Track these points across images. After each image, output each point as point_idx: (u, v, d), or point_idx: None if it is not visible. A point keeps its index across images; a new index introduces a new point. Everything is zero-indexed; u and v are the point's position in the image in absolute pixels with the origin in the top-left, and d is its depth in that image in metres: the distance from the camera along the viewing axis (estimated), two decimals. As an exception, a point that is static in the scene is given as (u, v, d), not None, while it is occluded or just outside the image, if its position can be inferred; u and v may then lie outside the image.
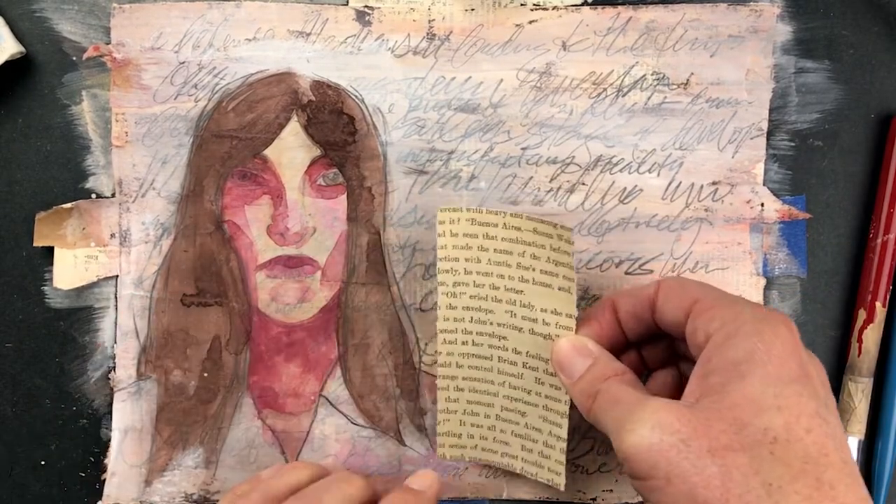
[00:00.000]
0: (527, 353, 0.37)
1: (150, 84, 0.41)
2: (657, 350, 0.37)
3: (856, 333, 0.40)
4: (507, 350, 0.37)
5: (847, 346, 0.41)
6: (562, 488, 0.37)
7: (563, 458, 0.37)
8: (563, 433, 0.36)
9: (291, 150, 0.41)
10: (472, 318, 0.38)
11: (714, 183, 0.41)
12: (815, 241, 0.41)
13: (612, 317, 0.35)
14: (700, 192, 0.41)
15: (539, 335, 0.36)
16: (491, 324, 0.37)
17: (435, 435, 0.40)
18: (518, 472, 0.39)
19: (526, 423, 0.38)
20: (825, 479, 0.27)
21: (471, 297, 0.37)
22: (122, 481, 0.41)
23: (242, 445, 0.41)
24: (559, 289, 0.35)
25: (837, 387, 0.41)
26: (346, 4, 0.41)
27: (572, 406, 0.35)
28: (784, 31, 0.41)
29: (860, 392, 0.40)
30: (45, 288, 0.42)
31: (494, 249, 0.36)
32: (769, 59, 0.41)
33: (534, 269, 0.36)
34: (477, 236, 0.37)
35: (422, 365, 0.41)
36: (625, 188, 0.41)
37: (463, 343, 0.38)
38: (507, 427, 0.38)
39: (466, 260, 0.37)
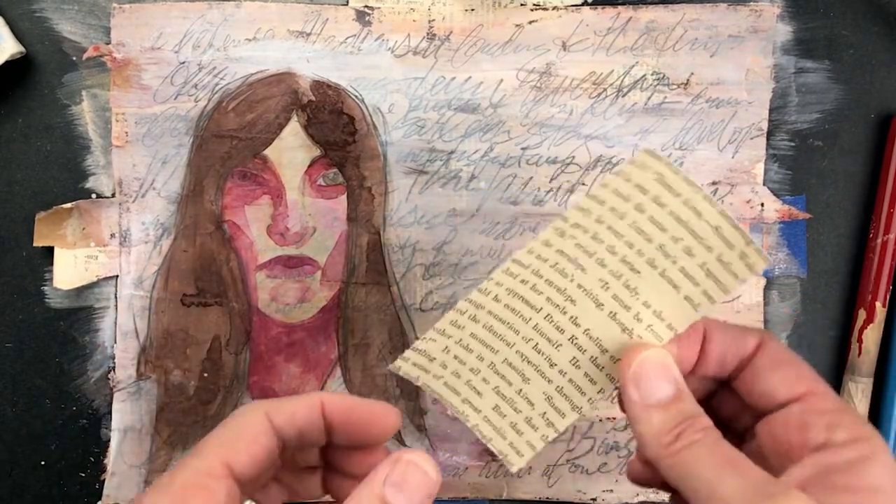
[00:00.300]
0: (586, 330, 0.31)
1: (150, 84, 0.41)
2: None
3: (856, 333, 0.40)
4: (564, 313, 0.31)
5: (847, 346, 0.41)
6: (513, 469, 0.32)
7: (539, 444, 0.32)
8: (561, 426, 0.32)
9: (291, 150, 0.41)
10: (556, 263, 0.31)
11: (714, 183, 0.41)
12: (815, 241, 0.41)
13: (698, 347, 0.31)
14: (700, 192, 0.41)
15: (620, 324, 0.30)
16: (572, 280, 0.31)
17: (435, 436, 0.40)
18: (469, 425, 0.33)
19: (521, 390, 0.32)
20: None
21: (576, 245, 0.31)
22: (121, 481, 0.41)
23: (242, 445, 0.41)
24: (686, 298, 0.29)
25: (838, 387, 0.41)
26: (346, 4, 0.41)
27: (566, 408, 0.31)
28: (784, 31, 0.41)
29: (860, 392, 0.40)
30: (45, 288, 0.41)
31: (651, 218, 0.30)
32: (769, 59, 0.41)
33: (675, 263, 0.29)
34: (646, 192, 0.30)
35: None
36: (625, 188, 0.41)
37: (523, 281, 0.31)
38: (495, 380, 0.32)
39: (612, 209, 0.30)
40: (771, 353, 0.30)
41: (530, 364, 0.32)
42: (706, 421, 0.28)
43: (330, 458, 0.31)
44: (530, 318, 0.32)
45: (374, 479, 0.27)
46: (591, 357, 0.31)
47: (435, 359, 0.33)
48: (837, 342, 0.42)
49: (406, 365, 0.32)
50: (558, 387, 0.32)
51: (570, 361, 0.31)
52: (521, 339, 0.32)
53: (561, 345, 0.31)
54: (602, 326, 0.31)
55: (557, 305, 0.31)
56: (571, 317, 0.31)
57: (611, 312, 0.30)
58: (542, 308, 0.31)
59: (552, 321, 0.31)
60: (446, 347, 0.33)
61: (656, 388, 0.29)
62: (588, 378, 0.31)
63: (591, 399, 0.31)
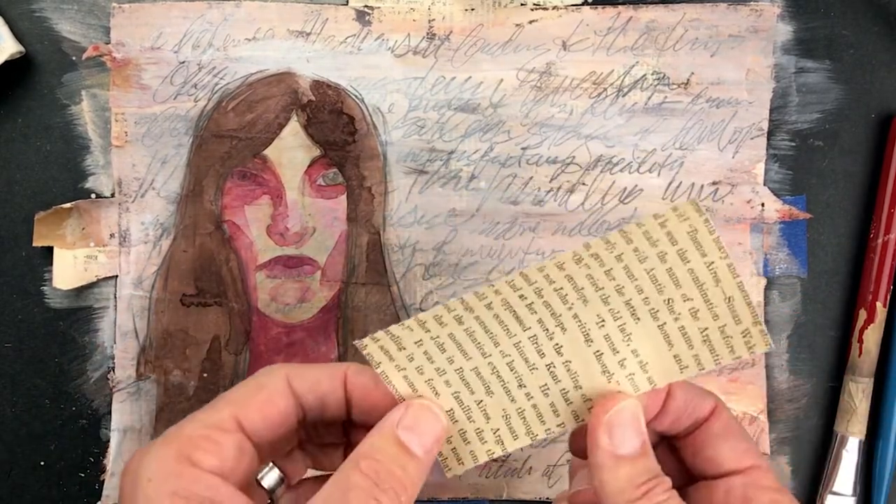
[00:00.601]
0: (566, 361, 0.30)
1: (149, 84, 0.41)
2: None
3: (856, 333, 0.40)
4: (551, 338, 0.30)
5: (847, 346, 0.41)
6: (448, 475, 0.31)
7: (482, 458, 0.31)
8: (511, 447, 0.31)
9: (291, 150, 0.41)
10: (561, 288, 0.29)
11: (714, 183, 0.41)
12: (815, 241, 0.41)
13: (661, 402, 0.30)
14: (700, 192, 0.41)
15: (603, 365, 0.29)
16: (570, 308, 0.29)
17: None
18: None
19: (480, 401, 0.31)
20: None
21: (588, 275, 0.29)
22: (121, 482, 0.41)
23: (242, 446, 0.41)
24: (676, 357, 0.29)
25: (838, 387, 0.41)
26: (346, 4, 0.41)
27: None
28: (784, 31, 0.41)
29: (861, 392, 0.40)
30: (45, 288, 0.41)
31: (669, 270, 0.28)
32: (769, 58, 0.41)
33: (678, 320, 0.29)
34: (675, 243, 0.28)
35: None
36: (625, 188, 0.41)
37: (521, 296, 0.29)
38: (457, 385, 0.31)
39: (636, 250, 0.28)
40: (723, 421, 0.30)
41: (499, 379, 0.31)
42: (668, 482, 0.28)
43: (352, 437, 0.32)
44: (515, 335, 0.30)
45: (387, 422, 0.28)
46: (563, 389, 0.30)
47: (405, 349, 0.30)
48: (838, 342, 0.41)
49: (373, 346, 0.30)
50: (520, 408, 0.31)
51: (541, 387, 0.30)
52: (498, 352, 0.30)
53: (536, 368, 0.30)
54: (584, 362, 0.30)
55: (547, 329, 0.30)
56: (557, 344, 0.30)
57: (597, 351, 0.29)
58: (530, 327, 0.30)
59: (536, 343, 0.30)
60: (420, 340, 0.30)
61: (628, 440, 0.28)
62: (553, 408, 0.30)
63: (548, 429, 0.30)
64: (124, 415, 0.41)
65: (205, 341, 0.41)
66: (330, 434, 0.32)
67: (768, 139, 0.41)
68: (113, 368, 0.41)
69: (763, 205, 0.41)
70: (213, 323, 0.41)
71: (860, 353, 0.40)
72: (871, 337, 0.40)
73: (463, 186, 0.41)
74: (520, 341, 0.30)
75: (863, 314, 0.40)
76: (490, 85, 0.41)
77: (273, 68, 0.41)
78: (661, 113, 0.41)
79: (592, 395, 0.30)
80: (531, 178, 0.41)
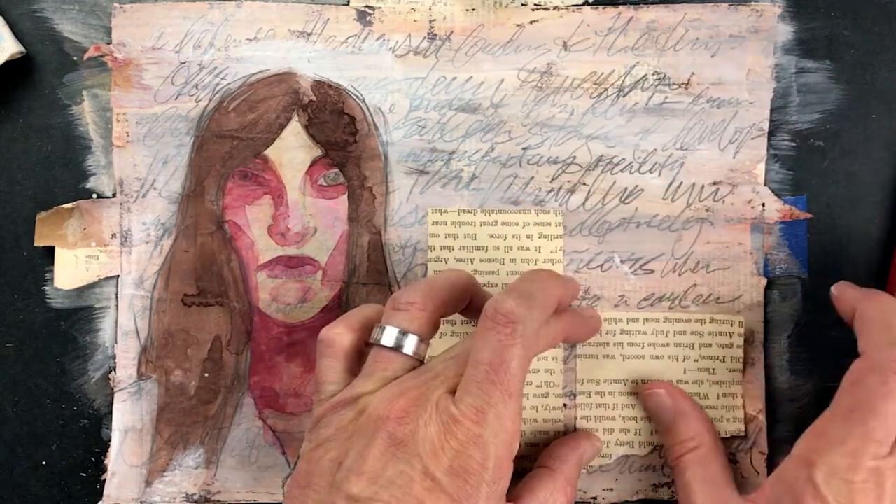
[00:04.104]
0: None
1: (150, 84, 0.41)
2: None
3: None
4: None
5: (850, 346, 0.41)
6: None
7: None
8: None
9: (292, 150, 0.41)
10: None
11: (715, 183, 0.41)
12: (815, 241, 0.41)
13: None
14: (701, 192, 0.41)
15: None
16: None
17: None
18: None
19: None
20: None
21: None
22: (122, 481, 0.41)
23: (243, 446, 0.41)
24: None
25: (837, 387, 0.41)
26: (347, 4, 0.41)
27: None
28: (785, 31, 0.41)
29: None
30: (46, 288, 0.41)
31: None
32: (770, 58, 0.41)
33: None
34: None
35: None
36: (626, 188, 0.41)
37: None
38: None
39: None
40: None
41: None
42: None
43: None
44: None
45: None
46: None
47: None
48: (838, 342, 0.41)
49: None
50: None
51: None
52: None
53: None
54: None
55: None
56: None
57: None
58: None
59: None
60: None
61: None
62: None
63: None
64: (125, 415, 0.41)
65: (206, 341, 0.41)
66: None
67: (769, 139, 0.41)
68: (114, 368, 0.41)
69: (764, 205, 0.41)
70: (214, 323, 0.41)
71: None
72: None
73: (464, 186, 0.41)
74: None
75: None
76: (491, 85, 0.41)
77: (274, 68, 0.41)
78: (662, 113, 0.41)
79: None
80: (532, 178, 0.41)
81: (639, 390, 0.40)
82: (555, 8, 0.41)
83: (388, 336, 0.33)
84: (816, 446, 0.33)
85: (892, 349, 0.32)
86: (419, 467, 0.30)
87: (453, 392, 0.31)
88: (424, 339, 0.34)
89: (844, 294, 0.37)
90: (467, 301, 0.36)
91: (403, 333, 0.33)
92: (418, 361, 0.34)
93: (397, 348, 0.33)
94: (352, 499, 0.30)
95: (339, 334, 0.35)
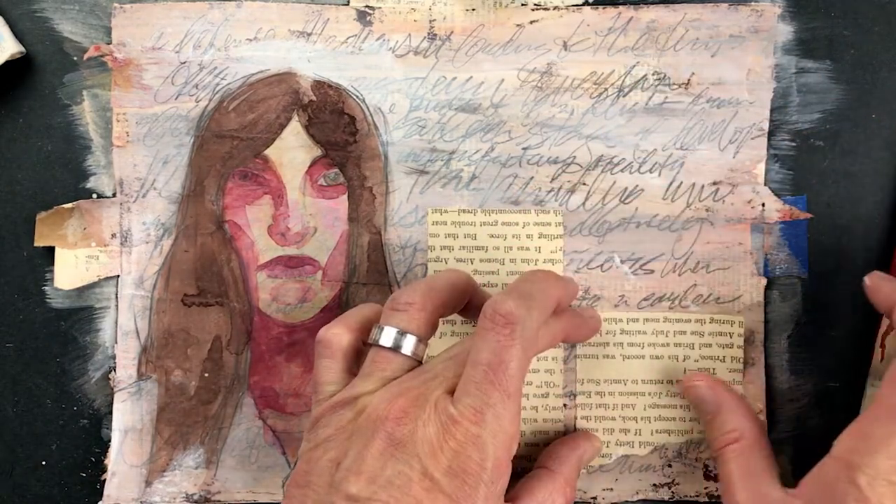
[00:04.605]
0: None
1: (150, 84, 0.41)
2: None
3: (879, 339, 0.40)
4: None
5: (853, 347, 0.41)
6: None
7: None
8: None
9: (292, 150, 0.41)
10: None
11: (715, 183, 0.41)
12: (815, 241, 0.41)
13: None
14: (701, 192, 0.41)
15: None
16: None
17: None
18: None
19: None
20: None
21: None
22: (122, 481, 0.41)
23: (243, 446, 0.41)
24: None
25: (838, 387, 0.41)
26: (347, 4, 0.41)
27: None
28: (785, 31, 0.41)
29: None
30: (46, 288, 0.41)
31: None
32: (770, 58, 0.41)
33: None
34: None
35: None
36: (626, 188, 0.41)
37: None
38: None
39: None
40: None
41: None
42: None
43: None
44: None
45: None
46: None
47: None
48: (838, 342, 0.41)
49: None
50: None
51: None
52: None
53: None
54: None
55: None
56: None
57: None
58: None
59: None
60: None
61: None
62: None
63: None
64: (125, 414, 0.41)
65: (206, 341, 0.41)
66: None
67: (769, 139, 0.41)
68: (114, 368, 0.41)
69: (764, 205, 0.41)
70: (214, 323, 0.41)
71: (882, 357, 0.40)
72: (893, 343, 0.40)
73: (464, 186, 0.41)
74: None
75: (886, 320, 0.40)
76: (491, 85, 0.41)
77: (274, 68, 0.41)
78: (662, 113, 0.41)
79: None
80: (532, 178, 0.41)
81: (680, 382, 0.40)
82: (555, 8, 0.41)
83: (387, 336, 0.33)
84: (858, 448, 0.32)
85: None
86: (418, 467, 0.30)
87: (452, 392, 0.31)
88: (423, 340, 0.34)
89: (880, 287, 0.36)
90: (466, 301, 0.36)
91: (402, 334, 0.33)
92: (417, 361, 0.34)
93: (396, 348, 0.33)
94: (350, 499, 0.30)
95: (338, 334, 0.35)
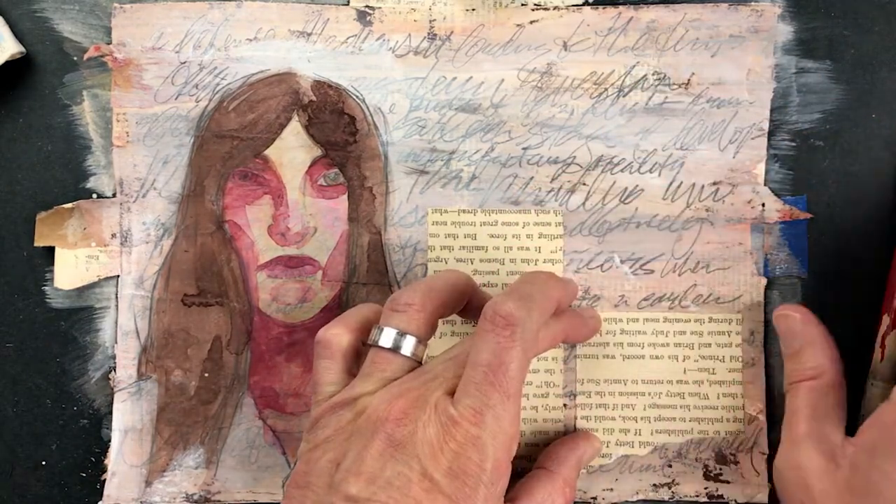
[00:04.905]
0: None
1: (150, 84, 0.41)
2: None
3: (879, 338, 0.40)
4: None
5: (854, 347, 0.40)
6: None
7: None
8: None
9: (292, 150, 0.41)
10: None
11: (715, 183, 0.41)
12: (815, 241, 0.41)
13: None
14: (701, 192, 0.41)
15: None
16: None
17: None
18: None
19: None
20: None
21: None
22: (122, 481, 0.41)
23: (243, 446, 0.41)
24: None
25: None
26: (347, 4, 0.41)
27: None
28: (785, 31, 0.41)
29: (881, 396, 0.40)
30: (46, 288, 0.41)
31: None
32: (770, 59, 0.41)
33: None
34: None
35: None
36: (626, 188, 0.41)
37: None
38: None
39: None
40: None
41: None
42: None
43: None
44: None
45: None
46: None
47: None
48: (837, 342, 0.41)
49: None
50: None
51: None
52: None
53: None
54: None
55: None
56: None
57: None
58: None
59: None
60: None
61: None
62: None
63: None
64: (125, 414, 0.41)
65: (206, 341, 0.41)
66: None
67: (769, 139, 0.41)
68: (114, 368, 0.41)
69: (764, 205, 0.41)
70: (214, 323, 0.41)
71: (882, 357, 0.40)
72: (893, 342, 0.40)
73: (464, 186, 0.41)
74: None
75: (886, 319, 0.40)
76: (491, 85, 0.41)
77: (274, 68, 0.41)
78: (662, 113, 0.41)
79: None
80: (532, 178, 0.41)
81: (775, 311, 0.39)
82: (555, 8, 0.41)
83: (387, 337, 0.33)
84: None
85: None
86: (417, 468, 0.30)
87: (452, 393, 0.31)
88: (422, 340, 0.34)
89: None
90: (465, 302, 0.36)
91: (401, 334, 0.33)
92: (416, 362, 0.34)
93: (395, 349, 0.33)
94: (350, 499, 0.30)
95: (337, 335, 0.35)
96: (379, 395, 0.32)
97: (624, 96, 0.41)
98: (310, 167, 0.41)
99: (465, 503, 0.30)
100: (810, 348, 0.37)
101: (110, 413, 0.41)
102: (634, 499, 0.41)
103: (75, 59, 0.41)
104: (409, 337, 0.33)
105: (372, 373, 0.33)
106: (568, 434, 0.41)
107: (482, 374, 0.31)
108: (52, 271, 0.41)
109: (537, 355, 0.37)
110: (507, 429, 0.31)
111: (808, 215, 0.41)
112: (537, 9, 0.41)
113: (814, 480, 0.34)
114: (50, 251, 0.41)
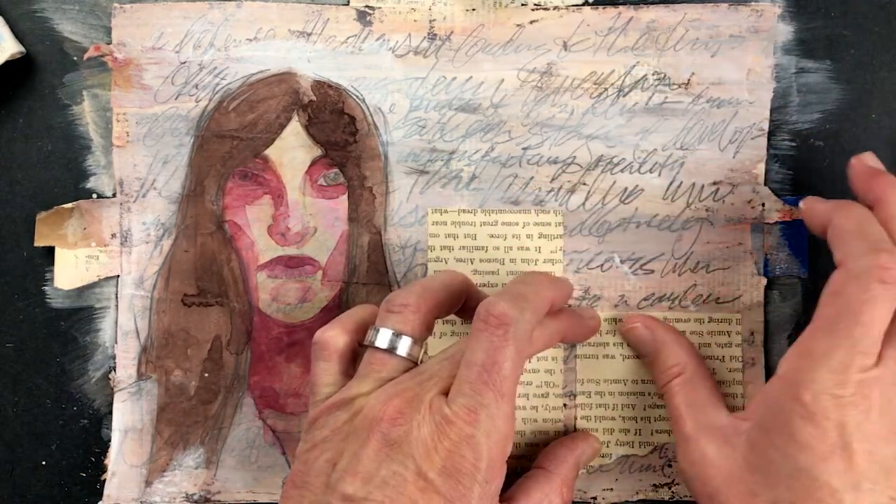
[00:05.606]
0: None
1: (150, 84, 0.41)
2: None
3: None
4: None
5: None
6: None
7: None
8: None
9: (292, 150, 0.41)
10: None
11: (715, 183, 0.41)
12: (816, 241, 0.41)
13: None
14: (701, 192, 0.41)
15: None
16: None
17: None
18: None
19: None
20: None
21: None
22: (122, 481, 0.41)
23: (243, 446, 0.41)
24: None
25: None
26: (347, 4, 0.41)
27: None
28: (785, 31, 0.41)
29: None
30: (46, 288, 0.42)
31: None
32: (770, 59, 0.41)
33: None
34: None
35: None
36: (626, 188, 0.41)
37: None
38: None
39: None
40: None
41: None
42: None
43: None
44: None
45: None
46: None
47: None
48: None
49: None
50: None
51: None
52: None
53: None
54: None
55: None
56: None
57: None
58: None
59: None
60: None
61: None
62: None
63: None
64: (125, 414, 0.41)
65: (206, 341, 0.41)
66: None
67: (769, 139, 0.41)
68: (114, 368, 0.41)
69: (764, 205, 0.41)
70: (214, 323, 0.41)
71: None
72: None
73: (464, 186, 0.41)
74: None
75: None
76: (491, 85, 0.41)
77: (274, 68, 0.41)
78: (662, 113, 0.41)
79: None
80: (532, 178, 0.41)
81: (619, 328, 0.40)
82: (555, 8, 0.41)
83: (382, 338, 0.34)
84: (801, 365, 0.32)
85: (870, 256, 0.32)
86: (412, 468, 0.30)
87: (447, 393, 0.31)
88: (418, 341, 0.34)
89: (814, 208, 0.36)
90: (462, 302, 0.36)
91: (397, 335, 0.33)
92: (412, 363, 0.34)
93: (391, 350, 0.33)
94: (346, 499, 0.30)
95: (334, 336, 0.35)
96: (374, 395, 0.32)
97: (624, 96, 0.41)
98: (310, 167, 0.41)
99: (460, 502, 0.30)
100: (665, 349, 0.38)
101: (110, 413, 0.41)
102: (634, 499, 0.41)
103: (75, 59, 0.41)
104: (404, 338, 0.33)
105: (368, 373, 0.33)
106: (568, 434, 0.41)
107: (476, 374, 0.31)
108: (52, 271, 0.41)
109: (533, 355, 0.37)
110: (502, 427, 0.31)
111: (809, 215, 0.41)
112: (537, 9, 0.41)
113: (713, 471, 0.34)
114: (50, 251, 0.41)
